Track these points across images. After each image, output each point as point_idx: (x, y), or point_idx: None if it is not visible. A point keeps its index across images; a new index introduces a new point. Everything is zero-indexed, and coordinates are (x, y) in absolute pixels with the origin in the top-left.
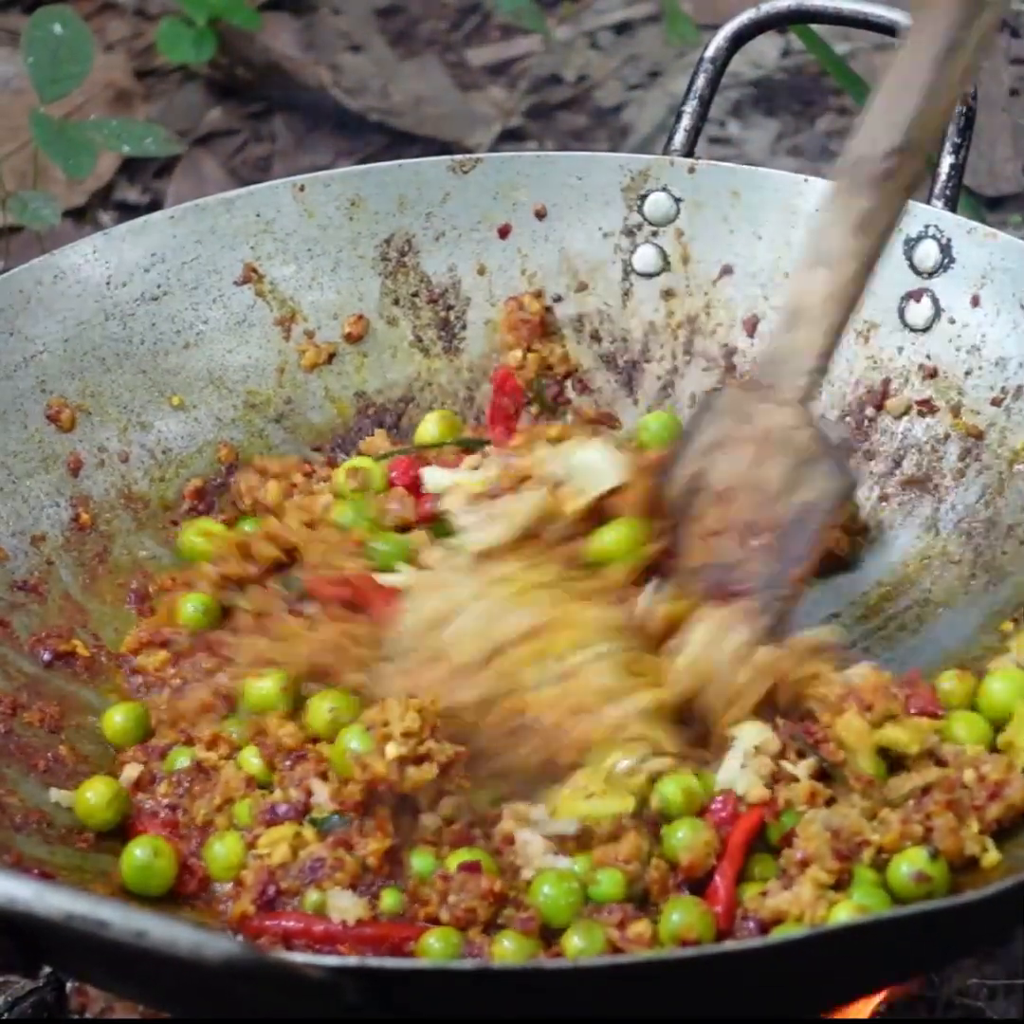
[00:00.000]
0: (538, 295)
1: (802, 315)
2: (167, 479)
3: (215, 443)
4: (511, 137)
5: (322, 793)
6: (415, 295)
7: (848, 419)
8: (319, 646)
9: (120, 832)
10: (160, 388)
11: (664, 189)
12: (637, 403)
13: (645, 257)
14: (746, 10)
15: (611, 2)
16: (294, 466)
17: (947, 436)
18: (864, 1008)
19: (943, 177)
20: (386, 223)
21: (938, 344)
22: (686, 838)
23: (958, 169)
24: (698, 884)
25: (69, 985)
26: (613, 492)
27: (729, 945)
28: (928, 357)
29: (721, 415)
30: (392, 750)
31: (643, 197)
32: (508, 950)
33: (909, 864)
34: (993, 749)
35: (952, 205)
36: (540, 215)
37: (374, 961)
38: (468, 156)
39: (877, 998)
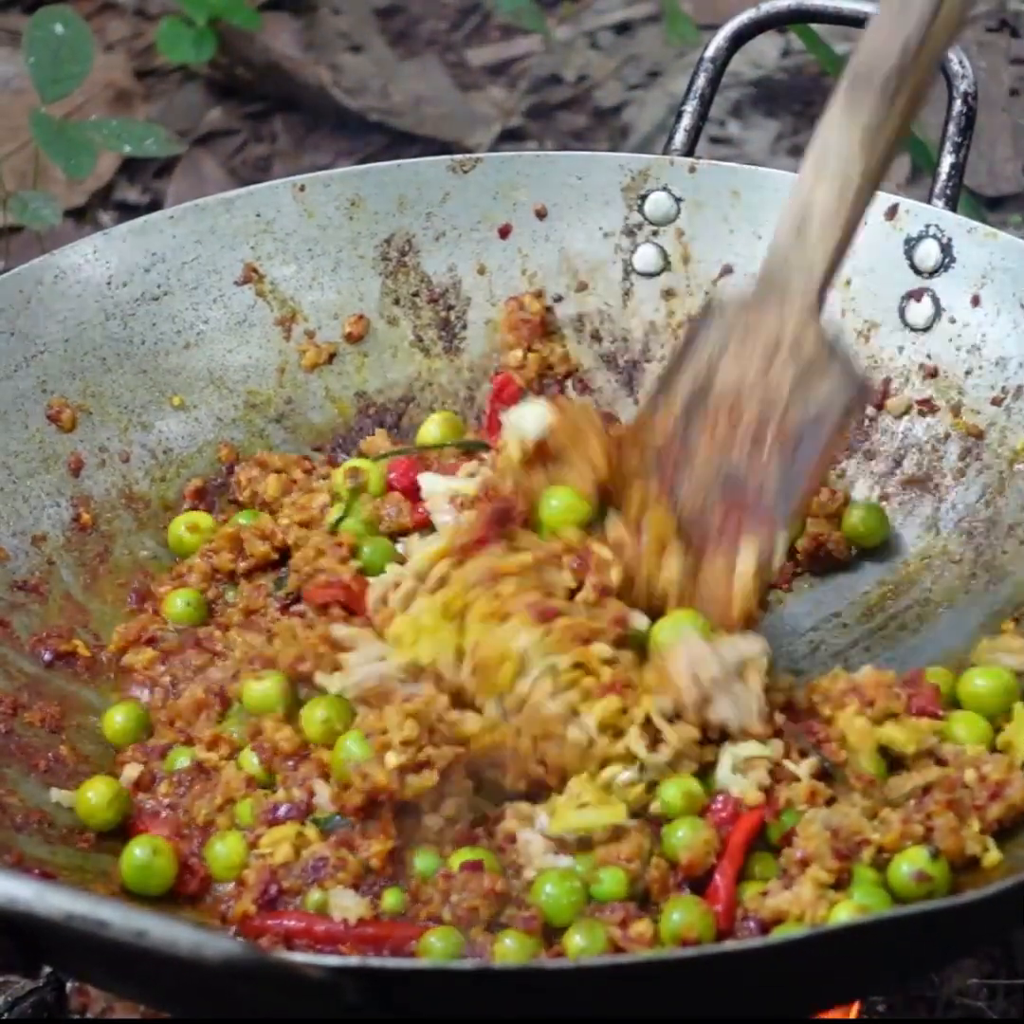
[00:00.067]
0: (538, 295)
1: (808, 225)
2: (168, 479)
3: (216, 443)
4: (511, 137)
5: (324, 793)
6: (415, 295)
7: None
8: (310, 646)
9: (121, 832)
10: (161, 388)
11: (664, 189)
12: (638, 403)
13: (645, 257)
14: (746, 10)
15: (611, 2)
16: (295, 462)
17: (947, 436)
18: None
19: (943, 177)
20: (386, 223)
21: (938, 344)
22: (686, 837)
23: (958, 169)
24: (699, 883)
25: (69, 985)
26: (544, 444)
27: (729, 945)
28: (928, 357)
29: (725, 324)
30: (392, 759)
31: (643, 197)
32: (510, 949)
33: (910, 864)
34: (993, 749)
35: (952, 205)
36: (540, 215)
37: (374, 961)
38: (468, 156)
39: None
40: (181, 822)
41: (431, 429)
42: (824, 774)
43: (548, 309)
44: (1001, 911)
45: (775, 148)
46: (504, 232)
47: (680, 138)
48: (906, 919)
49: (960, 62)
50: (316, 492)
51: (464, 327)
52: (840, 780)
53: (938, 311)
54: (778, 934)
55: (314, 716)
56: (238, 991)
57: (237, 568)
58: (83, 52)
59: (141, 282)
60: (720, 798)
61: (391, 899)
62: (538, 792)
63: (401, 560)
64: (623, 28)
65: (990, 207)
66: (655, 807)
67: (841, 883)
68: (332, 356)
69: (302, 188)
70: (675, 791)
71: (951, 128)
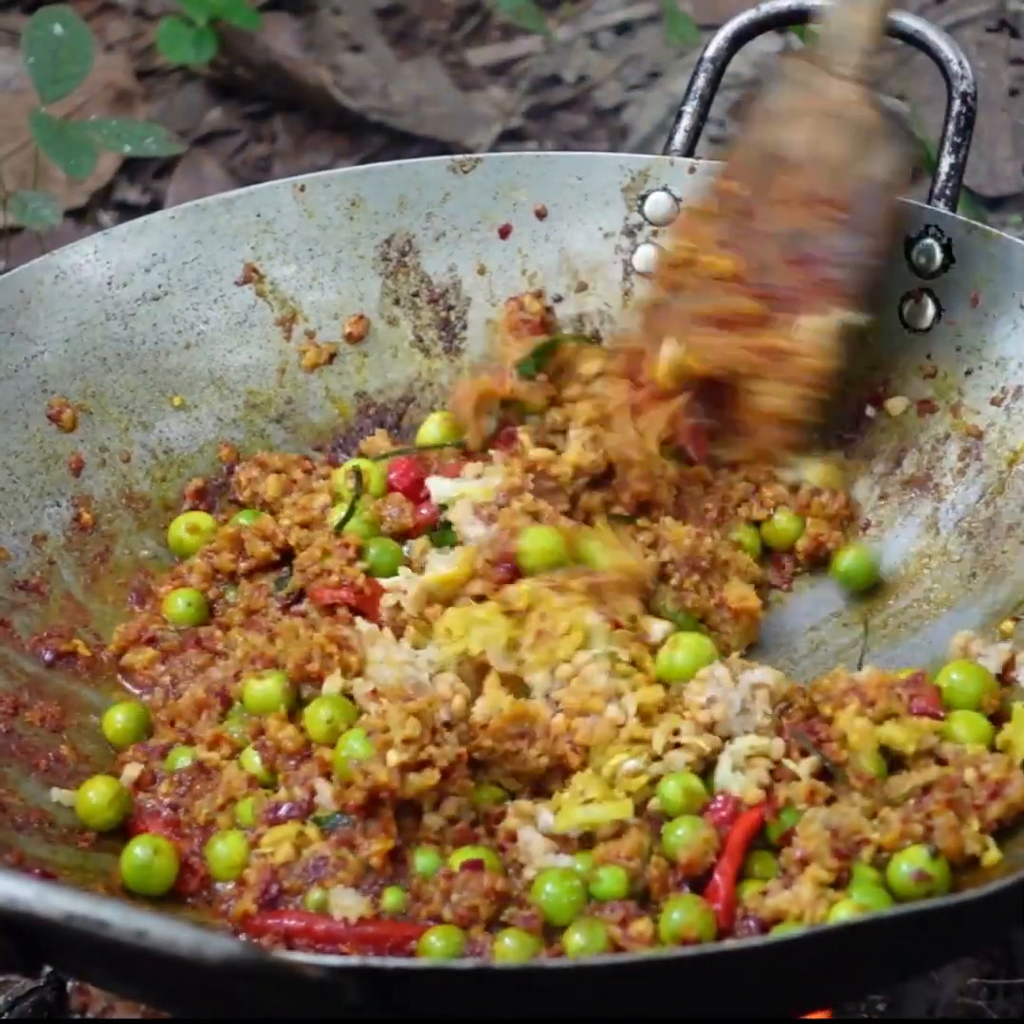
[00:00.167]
0: (538, 295)
1: None
2: (168, 479)
3: (216, 443)
4: (511, 137)
5: (326, 792)
6: (416, 295)
7: (848, 419)
8: (317, 646)
9: (122, 832)
10: (161, 388)
11: (664, 189)
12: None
13: (645, 257)
14: (746, 10)
15: (611, 2)
16: (295, 462)
17: (947, 436)
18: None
19: (943, 177)
20: (386, 223)
21: (938, 344)
22: (685, 836)
23: (958, 169)
24: (699, 882)
25: (70, 985)
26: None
27: (729, 944)
28: (928, 357)
29: (784, 82)
30: (393, 757)
31: (643, 197)
32: (510, 948)
33: (909, 863)
34: (993, 748)
35: (952, 205)
36: (540, 215)
37: (374, 961)
38: (468, 156)
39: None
40: (182, 822)
41: (431, 429)
42: (824, 773)
43: (548, 309)
44: (1000, 910)
45: None
46: (504, 232)
47: (680, 138)
48: (905, 918)
49: (960, 62)
50: (316, 492)
51: (464, 327)
52: (840, 779)
53: (938, 311)
54: (778, 933)
55: (318, 715)
56: (238, 991)
57: (237, 568)
58: (83, 52)
59: (141, 282)
60: (720, 797)
61: (391, 898)
62: (541, 787)
63: (407, 563)
64: (623, 28)
65: (990, 207)
66: (655, 805)
67: (841, 882)
68: (332, 356)
69: (302, 188)
70: (675, 787)
71: (951, 128)
